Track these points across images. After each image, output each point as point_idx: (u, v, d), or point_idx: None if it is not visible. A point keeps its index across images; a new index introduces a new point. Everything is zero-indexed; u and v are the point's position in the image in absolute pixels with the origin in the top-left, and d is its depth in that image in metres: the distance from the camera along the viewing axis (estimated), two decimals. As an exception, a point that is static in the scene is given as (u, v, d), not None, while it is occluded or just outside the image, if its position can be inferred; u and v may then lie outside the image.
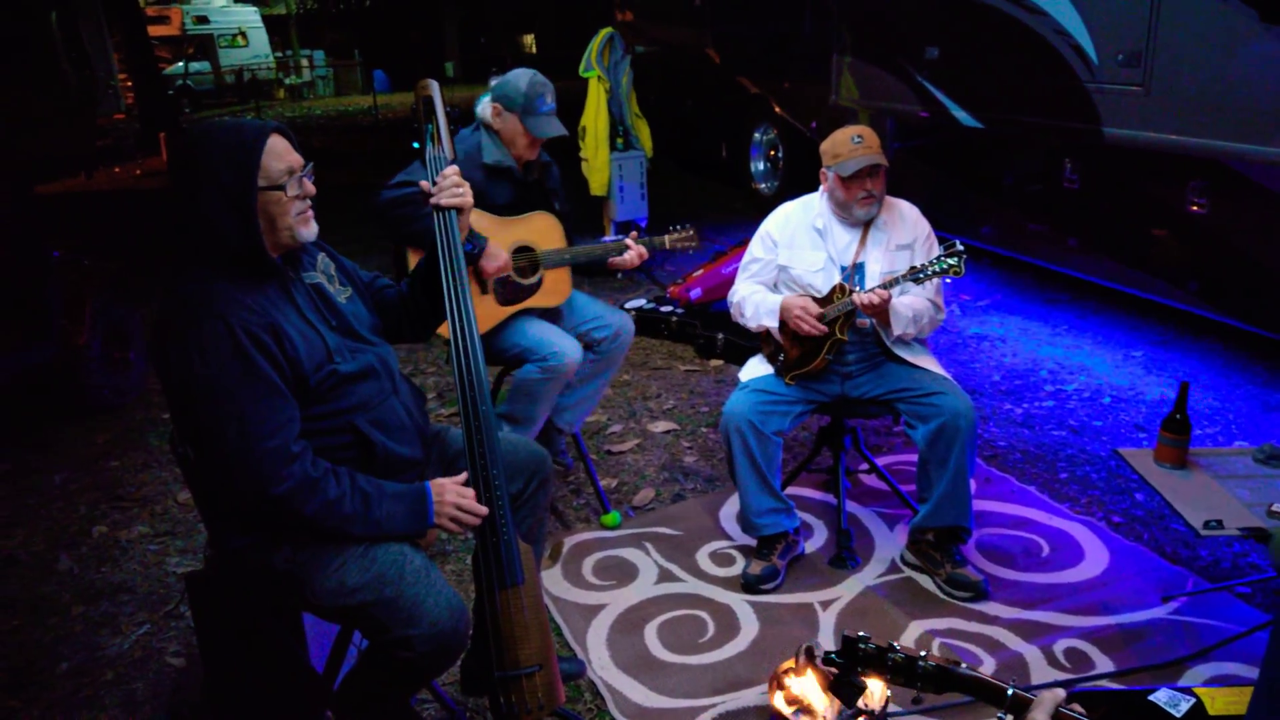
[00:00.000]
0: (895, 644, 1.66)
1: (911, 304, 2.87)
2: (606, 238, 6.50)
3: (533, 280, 3.17)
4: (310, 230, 1.96)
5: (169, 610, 2.99)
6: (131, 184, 12.07)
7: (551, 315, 3.27)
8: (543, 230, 3.19)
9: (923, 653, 1.67)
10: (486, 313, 3.09)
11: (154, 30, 20.59)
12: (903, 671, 1.68)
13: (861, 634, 1.68)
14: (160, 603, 3.04)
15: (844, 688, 1.92)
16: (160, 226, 8.83)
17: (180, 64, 23.50)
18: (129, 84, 15.60)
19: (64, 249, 4.55)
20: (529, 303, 3.18)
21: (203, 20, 24.83)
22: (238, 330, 1.80)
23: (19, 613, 3.03)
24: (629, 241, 3.17)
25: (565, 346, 3.08)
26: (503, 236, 3.10)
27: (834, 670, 1.82)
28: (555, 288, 3.23)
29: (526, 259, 3.16)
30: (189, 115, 20.32)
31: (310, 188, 1.95)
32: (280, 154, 1.88)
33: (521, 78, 3.12)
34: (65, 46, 10.70)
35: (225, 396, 1.79)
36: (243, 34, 25.98)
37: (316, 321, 1.96)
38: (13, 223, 4.14)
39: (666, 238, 3.28)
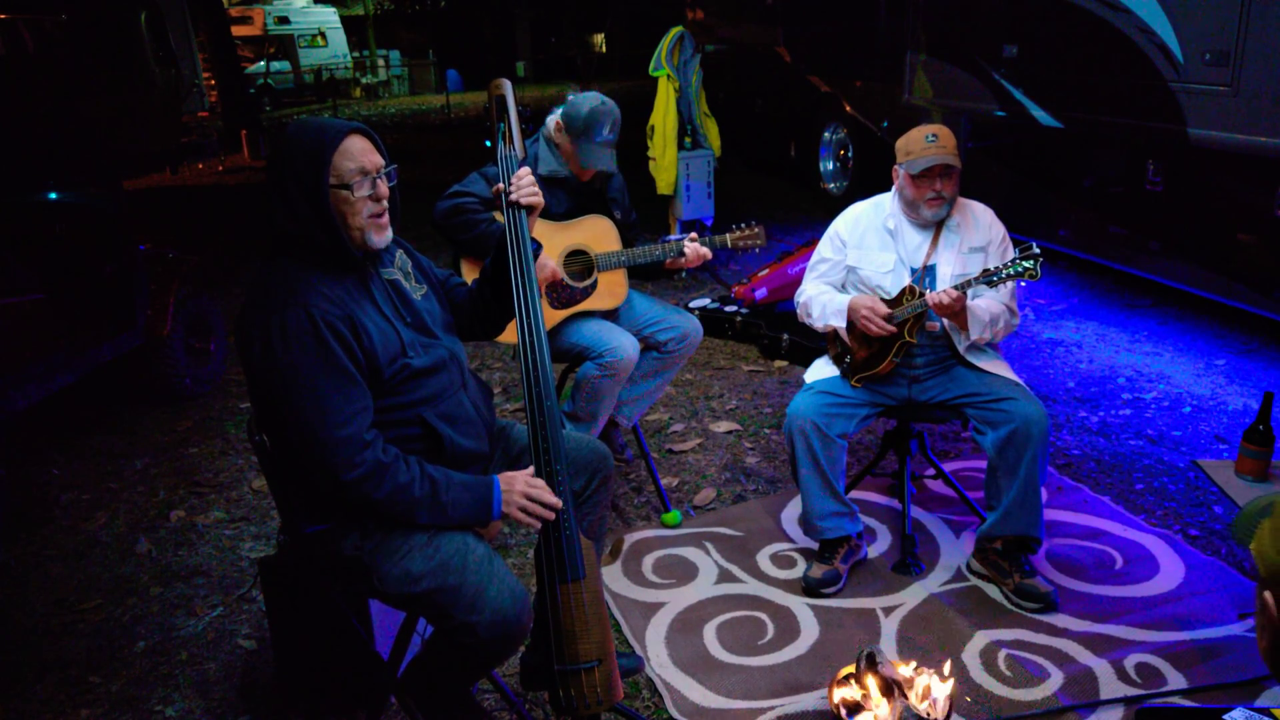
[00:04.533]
0: None
1: (987, 307, 2.82)
2: (671, 236, 6.52)
3: (587, 283, 3.18)
4: (382, 237, 1.99)
5: (242, 594, 3.08)
6: (214, 180, 12.46)
7: (610, 317, 3.28)
8: (598, 234, 3.20)
9: None
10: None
11: (237, 30, 21.19)
12: None
13: None
14: (233, 586, 3.14)
15: None
16: (241, 221, 9.10)
17: (262, 63, 24.12)
18: (213, 83, 16.07)
19: (150, 242, 4.72)
20: (584, 306, 3.19)
21: (284, 21, 25.44)
22: (318, 320, 1.86)
23: (100, 592, 3.15)
24: (687, 242, 3.15)
25: (621, 343, 3.09)
26: (556, 241, 3.12)
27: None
28: (611, 291, 3.24)
29: (580, 263, 3.17)
30: (269, 114, 20.88)
31: (383, 190, 1.97)
32: (354, 154, 1.92)
33: (588, 102, 3.11)
34: (153, 46, 11.04)
35: (303, 383, 1.85)
36: (322, 34, 26.57)
37: (392, 316, 2.01)
38: (103, 217, 4.29)
39: (729, 236, 3.25)
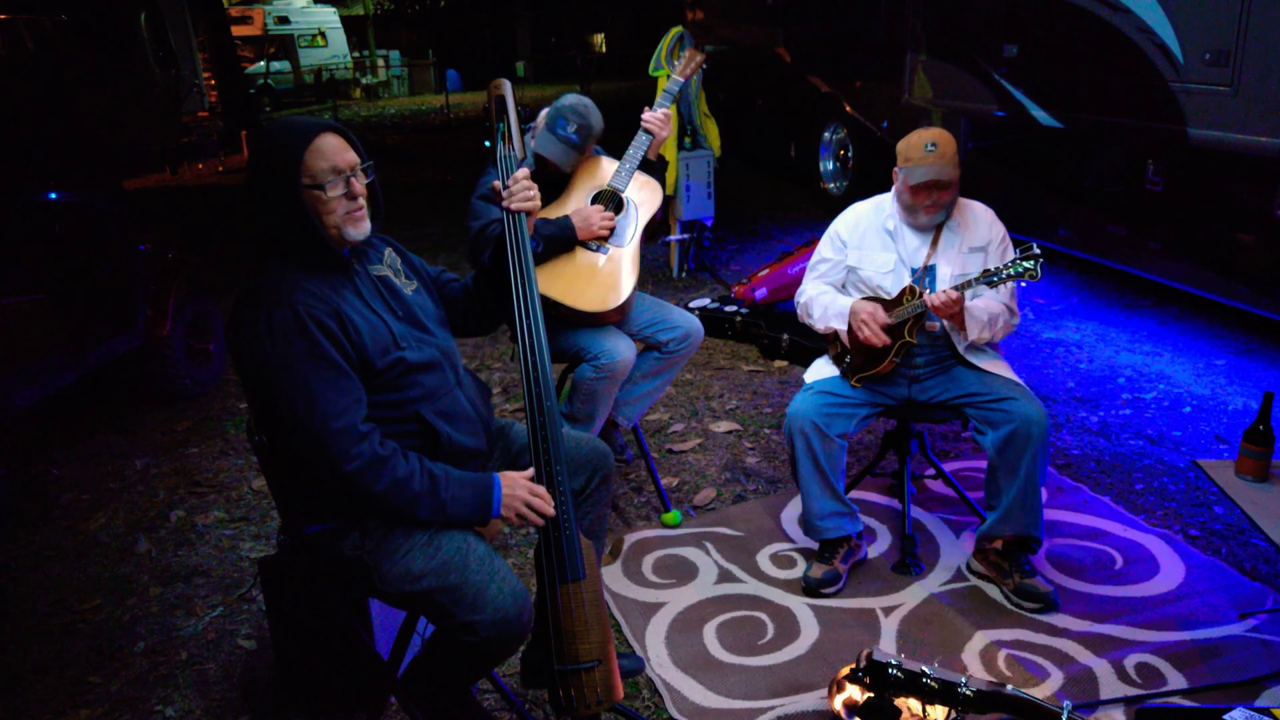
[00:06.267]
0: (926, 669, 1.57)
1: (986, 307, 2.82)
2: (671, 236, 6.53)
3: (625, 209, 3.19)
4: (359, 230, 1.99)
5: (242, 594, 3.08)
6: (214, 180, 12.46)
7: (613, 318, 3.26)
8: (593, 173, 3.21)
9: (964, 678, 1.58)
10: (613, 266, 3.11)
11: (237, 30, 21.19)
12: (939, 697, 1.59)
13: (891, 660, 1.59)
14: (233, 586, 3.13)
15: (876, 713, 1.86)
16: (241, 221, 9.09)
17: (262, 63, 24.10)
18: (213, 83, 16.07)
19: (150, 243, 4.72)
20: (645, 218, 3.19)
21: (284, 21, 25.42)
22: (304, 316, 1.87)
23: (100, 592, 3.15)
24: (645, 117, 3.18)
25: (617, 345, 3.09)
26: (575, 201, 3.15)
27: (867, 694, 1.75)
28: (649, 192, 3.23)
29: (606, 200, 3.18)
30: (269, 114, 20.88)
31: (358, 188, 1.97)
32: (326, 153, 1.92)
33: (571, 98, 3.14)
34: (153, 46, 11.04)
35: (294, 380, 1.86)
36: (322, 34, 26.55)
37: (381, 310, 2.02)
38: (103, 217, 4.29)
39: (673, 73, 3.32)
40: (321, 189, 1.92)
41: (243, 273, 2.01)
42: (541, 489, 2.02)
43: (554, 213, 3.12)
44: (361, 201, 1.99)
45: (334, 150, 1.94)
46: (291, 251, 1.94)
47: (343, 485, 1.90)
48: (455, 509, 1.98)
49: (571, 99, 3.13)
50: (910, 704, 2.22)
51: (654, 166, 3.25)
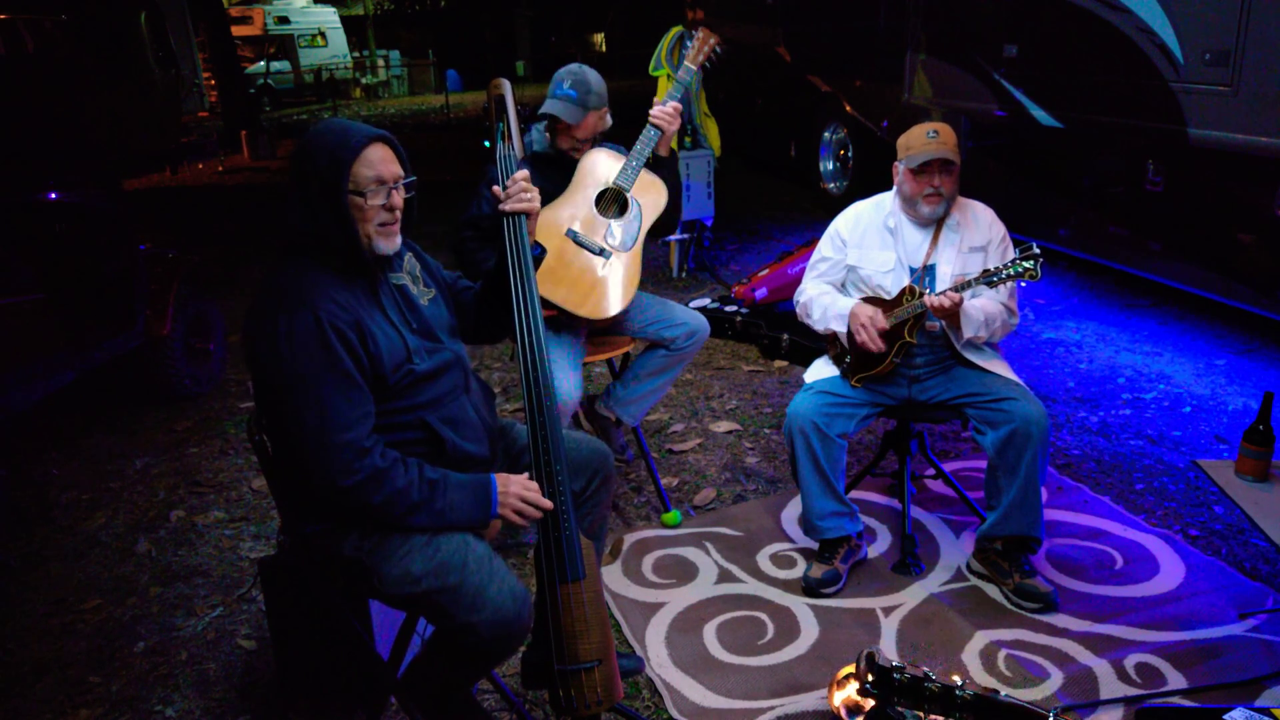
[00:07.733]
0: (930, 673, 1.61)
1: (983, 307, 2.82)
2: (671, 236, 6.53)
3: (630, 210, 3.16)
4: (389, 244, 1.99)
5: (241, 594, 3.08)
6: (214, 180, 12.45)
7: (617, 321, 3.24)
8: (595, 169, 3.18)
9: (960, 682, 1.62)
10: (613, 270, 3.09)
11: (237, 30, 21.19)
12: (939, 701, 1.64)
13: (895, 664, 1.63)
14: (233, 586, 3.13)
15: (882, 719, 1.89)
16: (241, 221, 9.10)
17: (261, 63, 24.11)
18: (212, 83, 16.08)
19: (150, 242, 4.72)
20: (650, 220, 3.17)
21: (284, 21, 25.43)
22: (325, 324, 1.86)
23: (99, 592, 3.15)
24: (654, 114, 3.13)
25: (562, 387, 2.97)
26: (580, 201, 3.13)
27: (871, 702, 1.79)
28: (653, 194, 3.19)
29: (611, 199, 3.16)
30: (269, 114, 20.88)
31: (397, 200, 1.98)
32: (373, 163, 1.93)
33: (564, 67, 3.16)
34: (153, 46, 11.04)
35: (308, 386, 1.86)
36: (322, 34, 26.55)
37: (399, 323, 2.02)
38: (103, 217, 4.29)
39: (689, 61, 3.25)
40: (362, 196, 1.92)
41: (245, 273, 2.01)
42: (533, 484, 2.02)
43: (557, 210, 3.11)
44: (398, 215, 1.99)
45: (381, 160, 1.94)
46: (322, 254, 1.94)
47: (339, 497, 1.90)
48: (454, 514, 1.98)
49: (563, 68, 3.16)
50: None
51: (664, 163, 3.21)
